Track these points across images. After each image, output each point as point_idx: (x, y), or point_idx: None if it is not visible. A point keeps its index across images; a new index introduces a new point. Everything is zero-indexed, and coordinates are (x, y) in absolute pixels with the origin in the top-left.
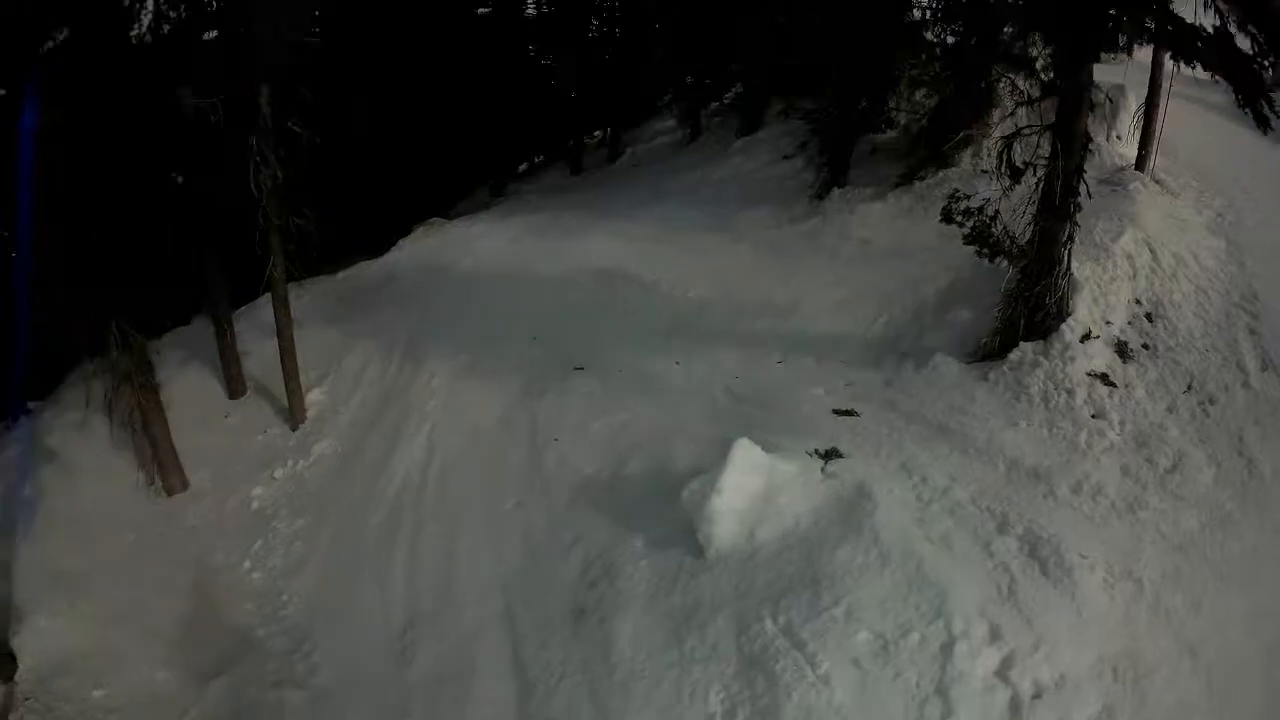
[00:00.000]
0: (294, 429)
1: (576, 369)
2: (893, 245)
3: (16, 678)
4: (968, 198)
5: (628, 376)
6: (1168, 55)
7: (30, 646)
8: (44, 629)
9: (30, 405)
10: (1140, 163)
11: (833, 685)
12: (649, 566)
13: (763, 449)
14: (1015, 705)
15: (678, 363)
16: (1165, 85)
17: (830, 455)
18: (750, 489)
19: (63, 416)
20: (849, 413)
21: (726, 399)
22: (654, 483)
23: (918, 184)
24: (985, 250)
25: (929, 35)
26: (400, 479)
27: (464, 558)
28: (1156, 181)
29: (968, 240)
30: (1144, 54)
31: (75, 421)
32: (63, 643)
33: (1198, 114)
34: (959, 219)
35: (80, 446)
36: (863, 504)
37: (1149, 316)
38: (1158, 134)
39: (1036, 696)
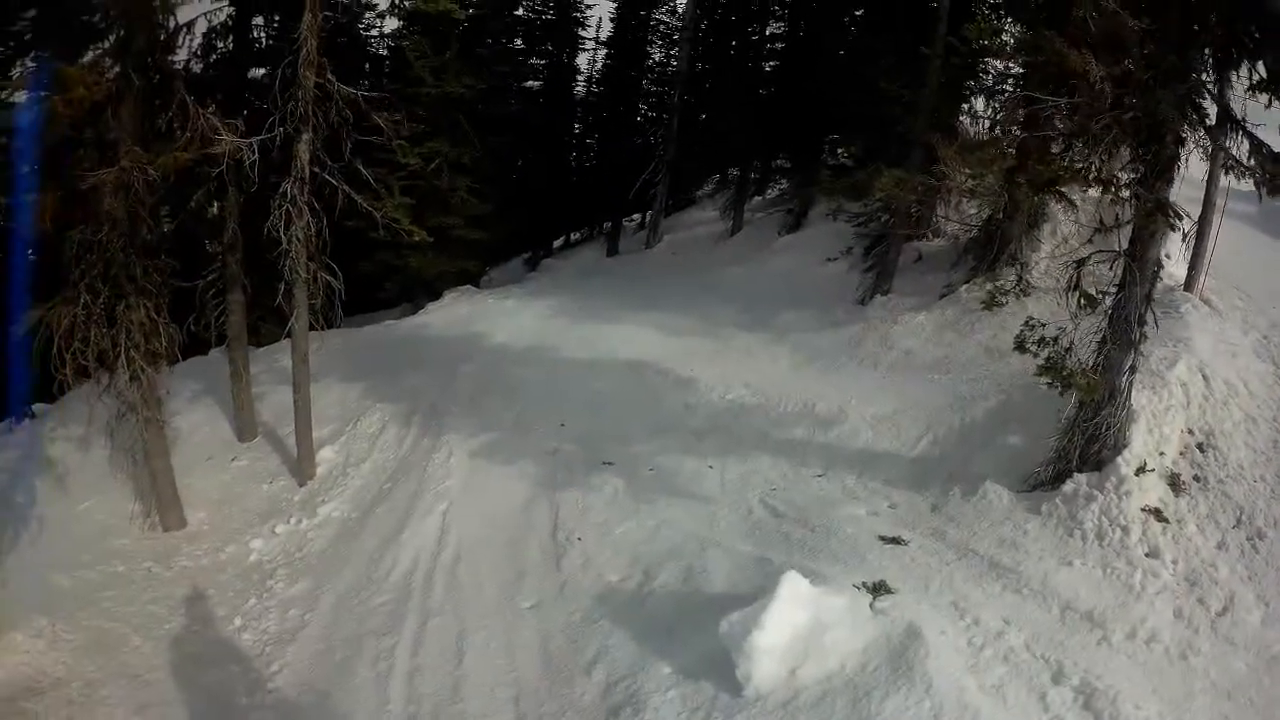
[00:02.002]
0: (301, 484)
1: (604, 463)
2: (937, 358)
3: None
4: (1043, 325)
5: (658, 477)
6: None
7: (5, 660)
8: (20, 645)
9: (34, 409)
10: (1189, 283)
11: None
12: (679, 699)
13: (809, 579)
14: None
15: (711, 466)
16: (1220, 203)
17: (879, 589)
18: (795, 624)
19: (66, 427)
20: (896, 540)
21: (764, 512)
22: (685, 601)
23: (963, 296)
24: (1057, 382)
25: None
26: (410, 559)
27: (473, 659)
28: (1206, 303)
29: (1041, 371)
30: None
31: (77, 436)
32: (37, 664)
33: (1234, 226)
34: (1032, 348)
35: (79, 463)
36: (914, 647)
37: (1200, 447)
38: (1209, 254)
39: None
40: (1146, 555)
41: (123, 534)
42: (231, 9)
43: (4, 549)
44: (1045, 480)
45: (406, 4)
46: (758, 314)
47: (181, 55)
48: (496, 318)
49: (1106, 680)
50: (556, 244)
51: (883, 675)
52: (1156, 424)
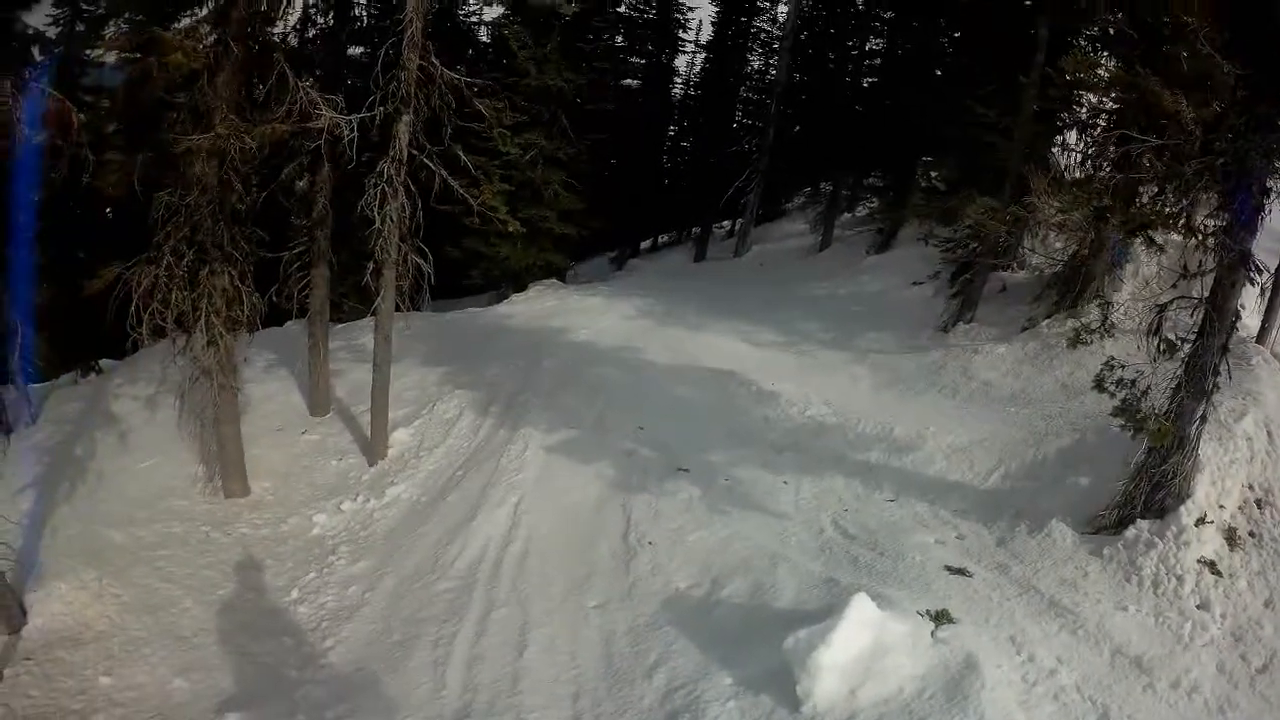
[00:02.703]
0: (371, 464)
1: (680, 470)
2: (1015, 391)
3: (23, 633)
4: (1122, 367)
5: (733, 488)
6: None
7: (45, 609)
8: (64, 595)
9: (101, 364)
10: (1262, 336)
11: None
12: (737, 710)
13: (875, 602)
14: None
15: (786, 482)
16: None
17: (941, 618)
18: (858, 645)
19: (134, 385)
20: (961, 571)
21: (835, 532)
22: (751, 614)
23: (1044, 330)
24: (1130, 424)
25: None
26: (478, 549)
27: (535, 652)
28: (1277, 357)
29: (1116, 413)
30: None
31: (145, 396)
32: (80, 616)
33: None
34: (1110, 388)
35: (144, 422)
36: (970, 678)
37: (1259, 503)
38: None
39: None
40: (1198, 607)
41: (183, 496)
42: None
43: (58, 499)
44: (1109, 524)
45: None
46: (842, 332)
47: (281, 27)
48: (580, 314)
49: None
50: (644, 245)
51: (938, 703)
52: (1220, 476)
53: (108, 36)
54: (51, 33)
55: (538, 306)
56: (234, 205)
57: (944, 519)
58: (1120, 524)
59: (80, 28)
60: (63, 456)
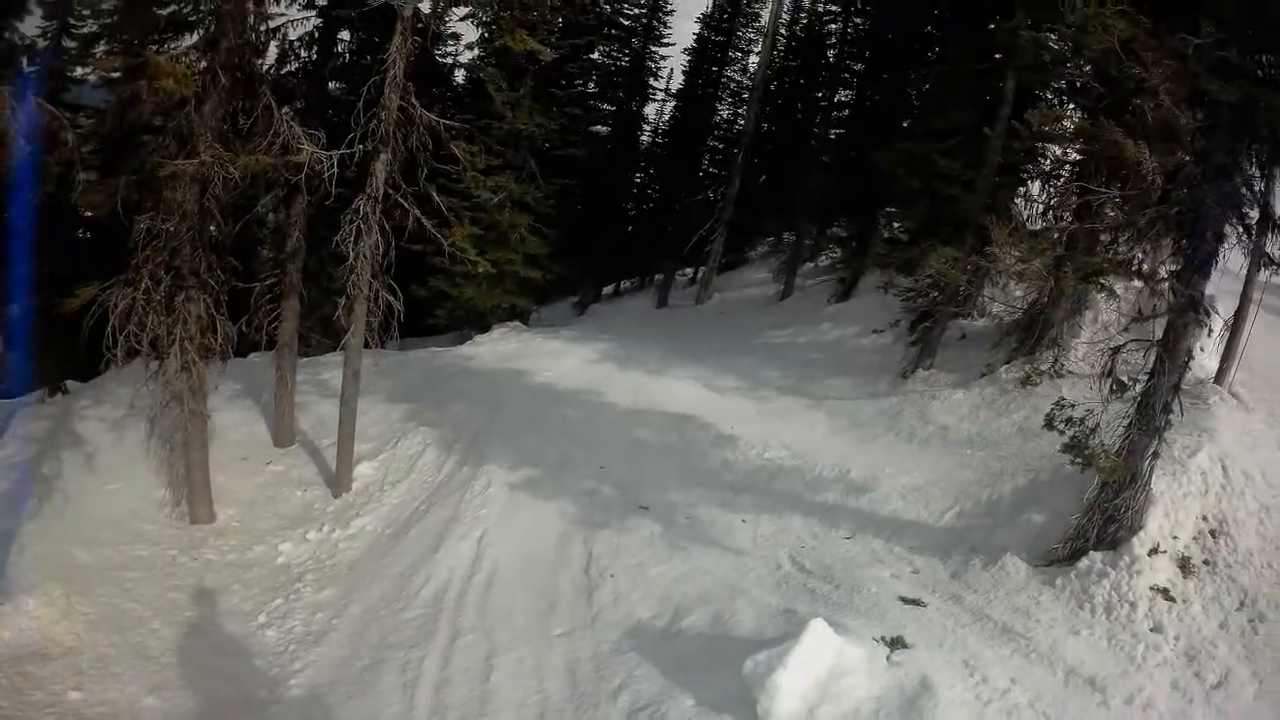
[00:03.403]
0: (336, 495)
1: (641, 508)
2: (971, 435)
3: None
4: (1072, 406)
5: (693, 526)
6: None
7: (13, 623)
8: (31, 610)
9: (68, 385)
10: (1220, 375)
11: None
12: None
13: (832, 629)
14: None
15: (744, 520)
16: (1256, 298)
17: (896, 644)
18: (816, 668)
19: (100, 408)
20: (916, 602)
21: (792, 568)
22: (712, 642)
23: (1002, 376)
24: (1079, 460)
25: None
26: (443, 579)
27: (502, 676)
28: (1234, 396)
29: (1065, 449)
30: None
31: (112, 419)
32: (48, 632)
33: (1272, 321)
34: (1060, 426)
35: (110, 445)
36: (925, 698)
37: (1213, 533)
38: (1241, 348)
39: None
40: (1151, 630)
41: (149, 520)
42: (319, 20)
43: (24, 516)
44: (1062, 557)
45: (496, 42)
46: (801, 379)
47: (266, 60)
48: (543, 357)
49: None
50: (607, 290)
51: None
52: (1174, 509)
53: (98, 55)
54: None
55: (501, 348)
56: (212, 234)
57: (899, 555)
58: (1073, 556)
59: (69, 43)
60: (29, 474)
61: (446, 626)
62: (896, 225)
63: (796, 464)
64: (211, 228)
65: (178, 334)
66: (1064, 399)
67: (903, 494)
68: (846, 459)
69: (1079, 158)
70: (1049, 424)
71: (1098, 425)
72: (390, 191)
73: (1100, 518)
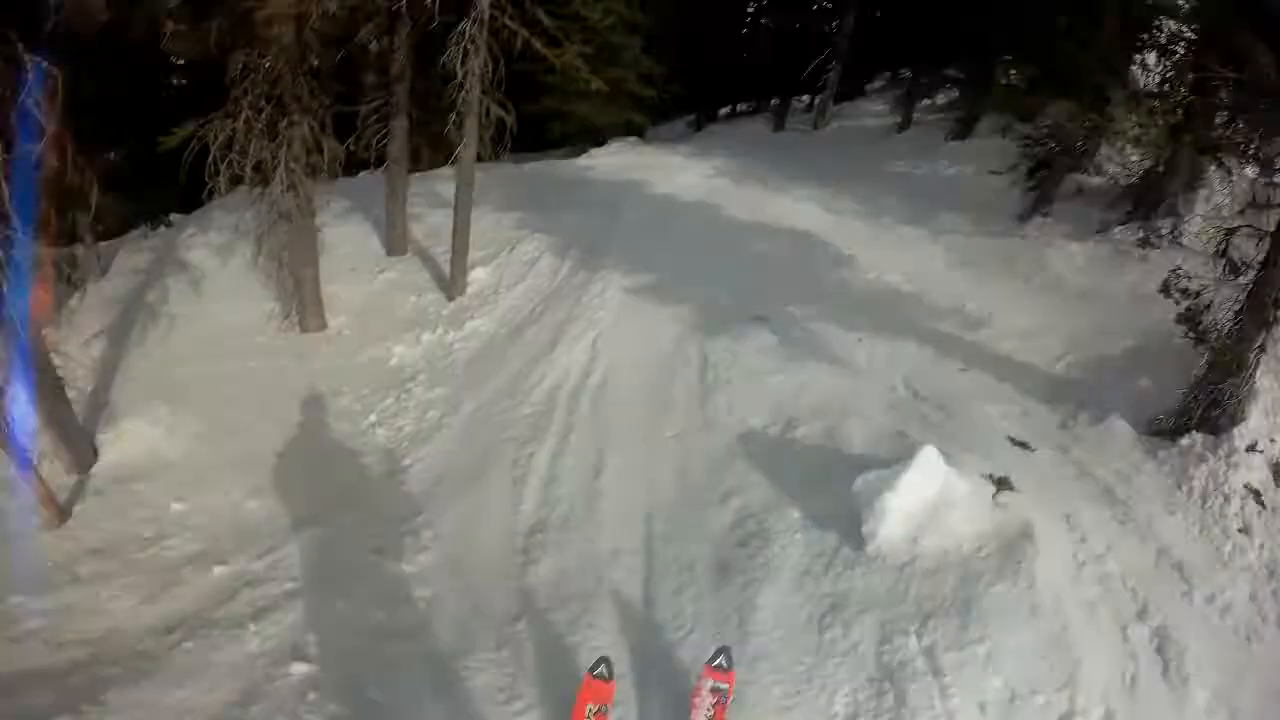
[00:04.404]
0: (450, 299)
1: (757, 318)
2: (1085, 289)
3: (94, 471)
4: (1188, 278)
5: (809, 339)
6: None
7: (117, 446)
8: (136, 432)
9: (171, 218)
10: None
11: None
12: (804, 542)
13: (942, 458)
14: None
15: (860, 340)
16: None
17: (1002, 484)
18: (923, 495)
19: (205, 235)
20: (1024, 445)
21: (905, 392)
22: (822, 457)
23: (1116, 236)
24: (1191, 334)
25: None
26: (557, 377)
27: (611, 475)
28: None
29: (1179, 320)
30: None
31: (218, 243)
32: (152, 450)
33: None
34: (1175, 295)
35: (217, 269)
36: (1025, 545)
37: None
38: None
39: None
40: (1239, 530)
41: (259, 333)
42: None
43: (130, 344)
44: (1165, 430)
45: None
46: (918, 210)
47: None
48: (660, 171)
49: (1181, 634)
50: (722, 112)
51: (993, 563)
52: (1273, 410)
53: None
54: None
55: (617, 161)
56: (311, 64)
57: (1010, 395)
58: (1176, 432)
59: None
60: (134, 304)
61: (558, 424)
62: (1013, 73)
63: (913, 291)
64: (311, 59)
65: (282, 157)
66: (1180, 268)
67: (1017, 335)
68: (963, 293)
69: (1195, 37)
70: (1165, 290)
71: (1211, 303)
72: (496, 14)
73: (1205, 398)
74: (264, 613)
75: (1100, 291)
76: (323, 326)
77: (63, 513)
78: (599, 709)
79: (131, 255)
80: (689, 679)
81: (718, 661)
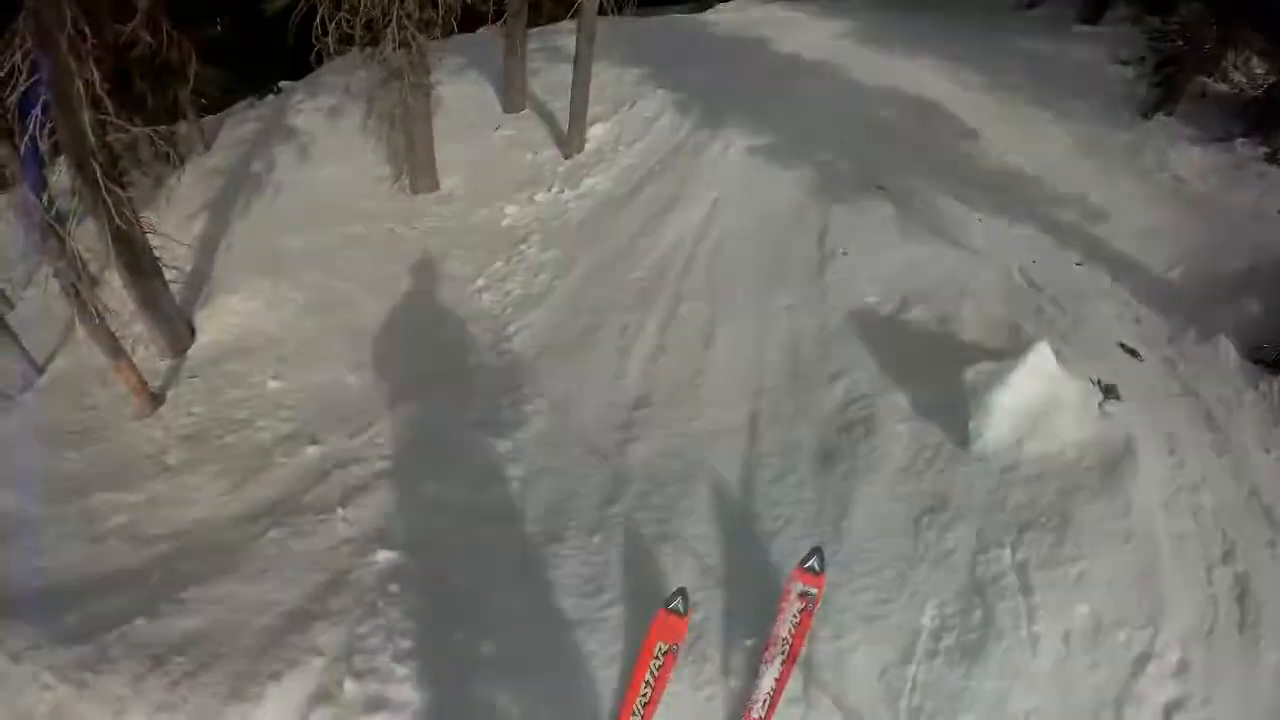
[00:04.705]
0: (567, 157)
1: (878, 188)
2: (1203, 197)
3: (189, 353)
4: None
5: (928, 214)
6: None
7: (213, 324)
8: (235, 308)
9: (280, 85)
10: None
11: (1039, 652)
12: (909, 433)
13: (1055, 358)
14: None
15: (980, 220)
16: None
17: (1110, 392)
18: (1032, 396)
19: (315, 99)
20: (1134, 353)
21: (1022, 280)
22: (935, 341)
23: (1239, 148)
24: None
25: None
26: (671, 240)
27: (721, 347)
28: None
29: None
30: None
31: (327, 106)
32: (252, 325)
33: None
34: None
35: (327, 132)
36: (1127, 463)
37: None
38: None
39: None
40: None
41: (367, 197)
42: None
43: (233, 218)
44: (1268, 359)
45: None
46: (1044, 91)
47: None
48: (785, 28)
49: (1262, 584)
50: None
51: (1094, 477)
52: None
53: None
54: None
55: (741, 17)
56: None
57: (1124, 298)
58: (1279, 363)
59: None
60: (238, 177)
61: (670, 291)
62: None
63: (1036, 174)
64: None
65: (394, 13)
66: None
67: (1134, 235)
68: (1084, 183)
69: None
70: None
71: None
72: None
73: None
74: (353, 495)
75: (1218, 202)
76: (435, 187)
77: (155, 399)
78: (670, 648)
79: (237, 127)
80: (780, 578)
81: (810, 563)
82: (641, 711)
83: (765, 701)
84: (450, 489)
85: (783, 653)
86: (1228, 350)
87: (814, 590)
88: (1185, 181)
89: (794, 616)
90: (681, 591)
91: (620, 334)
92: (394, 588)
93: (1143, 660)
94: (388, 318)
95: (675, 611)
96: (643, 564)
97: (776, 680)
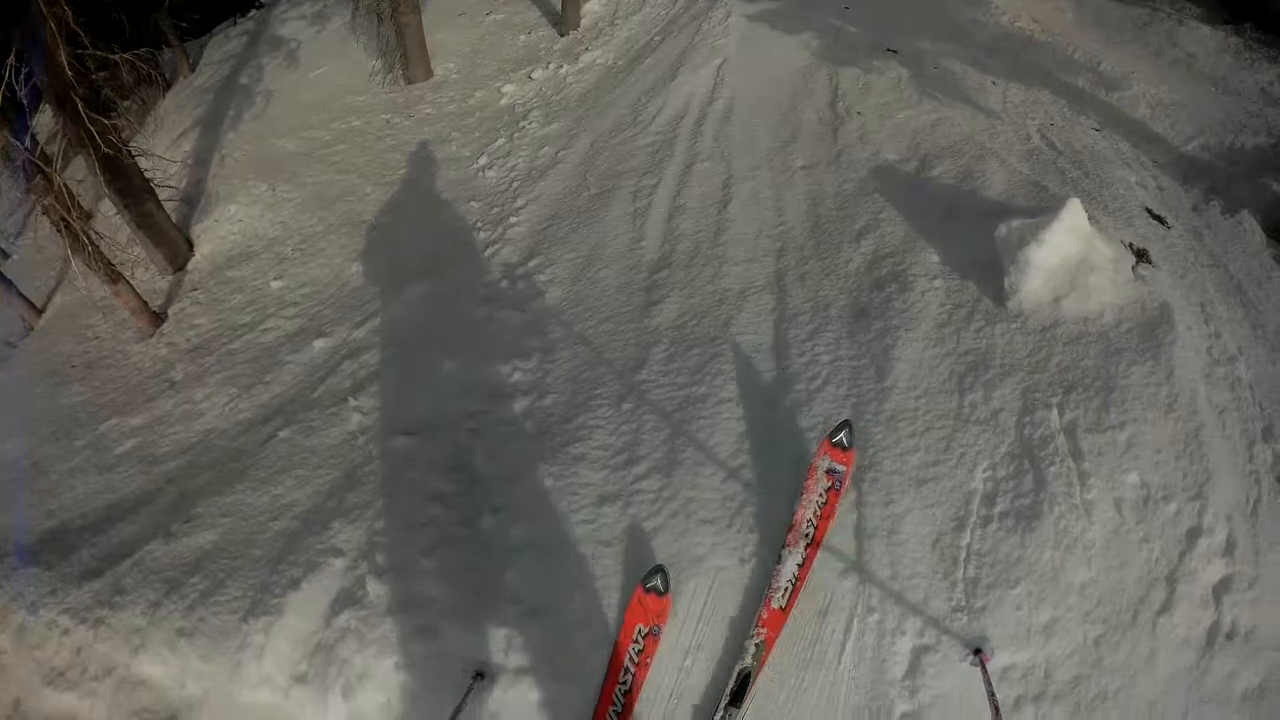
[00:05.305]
0: (563, 34)
1: (889, 50)
2: (1216, 74)
3: (189, 267)
4: None
5: (942, 76)
6: None
7: (211, 235)
8: (233, 216)
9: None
10: None
11: (1093, 519)
12: (944, 290)
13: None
14: (1211, 635)
15: (994, 83)
16: None
17: (1142, 256)
18: (1066, 253)
19: (299, 7)
20: (1161, 220)
21: (1041, 142)
22: (961, 198)
23: (1248, 31)
24: None
25: None
26: (679, 107)
27: (739, 207)
28: None
29: None
30: None
31: (312, 12)
32: (249, 231)
33: None
34: None
35: (315, 36)
36: (1165, 328)
37: None
38: None
39: (1229, 637)
40: None
41: (360, 92)
42: None
43: (224, 129)
44: None
45: None
46: None
47: None
48: None
49: None
50: None
51: (1134, 340)
52: None
53: None
54: None
55: None
56: None
57: (1145, 165)
58: None
59: None
60: (226, 91)
61: (682, 153)
62: None
63: (1047, 40)
64: None
65: None
66: None
67: (1150, 105)
68: (1095, 52)
69: None
70: None
71: None
72: None
73: None
74: (365, 384)
75: (1231, 83)
76: (429, 75)
77: (157, 318)
78: (650, 630)
79: (221, 46)
80: (818, 440)
81: (838, 438)
82: (622, 700)
83: (786, 590)
84: (466, 367)
85: (806, 536)
86: (1252, 226)
87: (842, 468)
88: (1196, 59)
89: (820, 497)
90: (660, 569)
91: (633, 198)
92: (413, 475)
93: (1193, 535)
94: (390, 204)
95: (654, 591)
96: (676, 431)
97: (800, 567)
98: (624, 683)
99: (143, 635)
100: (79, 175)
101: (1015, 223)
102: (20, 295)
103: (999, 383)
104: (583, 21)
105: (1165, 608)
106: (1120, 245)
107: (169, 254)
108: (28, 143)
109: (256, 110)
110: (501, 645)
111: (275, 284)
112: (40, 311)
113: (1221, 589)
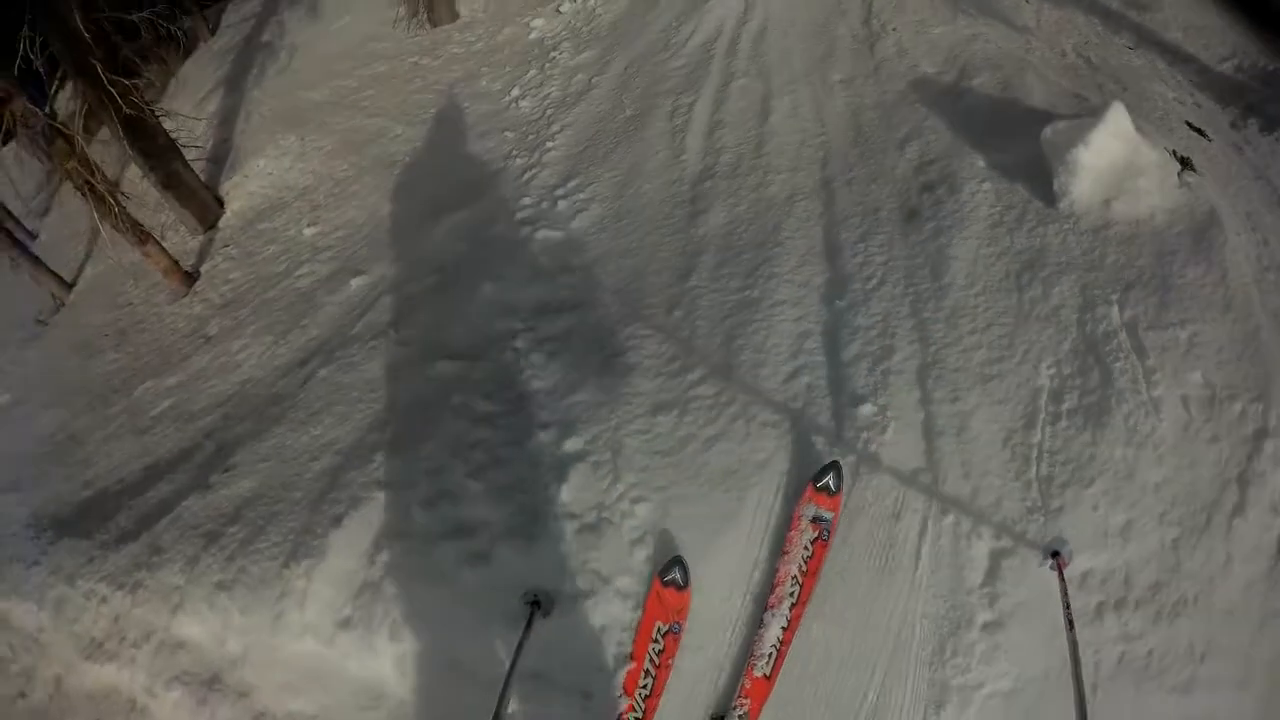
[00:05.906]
0: None
1: None
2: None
3: (220, 225)
4: None
5: None
6: None
7: (241, 190)
8: (263, 170)
9: None
10: None
11: (1161, 416)
12: (993, 191)
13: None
14: None
15: (1028, 1)
16: None
17: (1186, 164)
18: (1113, 157)
19: None
20: (1201, 133)
21: (1077, 58)
22: (1003, 107)
23: None
24: None
25: None
26: (711, 28)
27: (779, 119)
28: None
29: None
30: None
31: None
32: (281, 182)
33: None
34: None
35: None
36: (1214, 231)
37: None
38: None
39: None
40: None
41: (386, 39)
42: None
43: (248, 86)
44: None
45: None
46: None
47: None
48: None
49: None
50: None
51: (1186, 242)
52: None
53: None
54: None
55: None
56: None
57: (1181, 83)
58: None
59: None
60: (249, 49)
61: (718, 72)
62: None
63: None
64: None
65: None
66: None
67: (1182, 27)
68: None
69: None
70: None
71: None
72: None
73: None
74: (405, 316)
75: (1262, 6)
76: (454, 16)
77: (190, 277)
78: (669, 628)
79: (240, 7)
80: (876, 343)
81: (824, 481)
82: (643, 705)
83: (770, 656)
84: (509, 288)
85: (791, 596)
86: None
87: (830, 514)
88: None
89: (805, 549)
90: (678, 560)
91: (670, 116)
92: (458, 399)
93: (1259, 436)
94: (423, 143)
95: (674, 585)
96: (730, 335)
97: (784, 630)
98: (644, 687)
99: (181, 593)
100: (103, 140)
101: (1061, 124)
102: (50, 271)
103: (1057, 280)
104: None
105: (1238, 510)
106: (1164, 151)
107: (199, 213)
108: (49, 110)
109: (280, 65)
110: (558, 567)
111: (309, 230)
112: (71, 286)
113: None
